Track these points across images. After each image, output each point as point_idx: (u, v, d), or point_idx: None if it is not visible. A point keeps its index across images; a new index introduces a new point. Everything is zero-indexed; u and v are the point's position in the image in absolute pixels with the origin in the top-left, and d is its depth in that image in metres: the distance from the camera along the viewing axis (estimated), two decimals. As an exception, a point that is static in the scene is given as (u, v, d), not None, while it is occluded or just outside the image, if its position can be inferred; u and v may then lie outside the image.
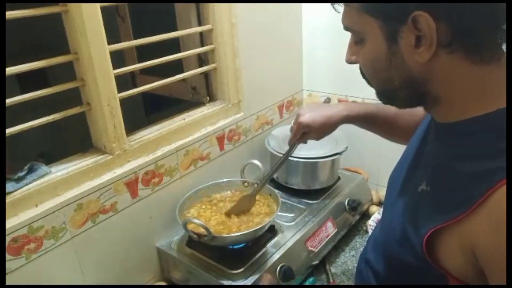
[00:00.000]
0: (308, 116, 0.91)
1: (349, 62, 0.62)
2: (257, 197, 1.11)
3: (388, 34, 0.52)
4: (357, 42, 0.58)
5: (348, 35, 0.61)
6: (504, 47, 0.51)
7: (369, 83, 0.61)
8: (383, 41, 0.53)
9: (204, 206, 1.11)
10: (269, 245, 1.05)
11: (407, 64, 0.53)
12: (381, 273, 0.69)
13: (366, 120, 0.92)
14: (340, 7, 0.58)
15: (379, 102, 0.63)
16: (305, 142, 0.97)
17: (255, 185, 1.15)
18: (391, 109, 0.88)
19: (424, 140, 0.66)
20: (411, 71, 0.53)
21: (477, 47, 0.50)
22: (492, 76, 0.51)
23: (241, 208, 1.06)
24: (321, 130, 0.92)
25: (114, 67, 0.92)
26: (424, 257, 0.56)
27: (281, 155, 1.20)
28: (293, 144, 0.97)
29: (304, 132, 0.93)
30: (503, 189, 0.46)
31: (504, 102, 0.50)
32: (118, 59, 1.05)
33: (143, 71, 1.32)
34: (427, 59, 0.50)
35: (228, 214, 1.05)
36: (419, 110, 0.64)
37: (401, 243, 0.60)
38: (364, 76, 0.61)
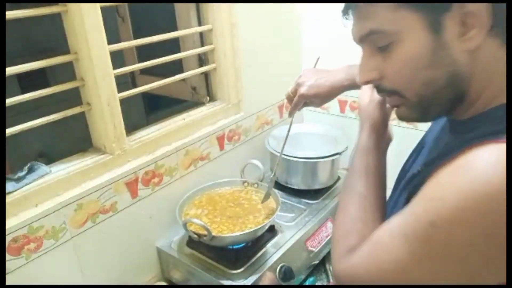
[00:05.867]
0: (309, 87, 0.89)
1: (368, 80, 0.55)
2: (257, 196, 1.11)
3: (432, 25, 0.48)
4: (382, 48, 0.52)
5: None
6: None
7: (395, 104, 0.56)
8: (426, 34, 0.49)
9: (204, 206, 1.11)
10: (269, 245, 1.05)
11: (453, 56, 0.49)
12: None
13: None
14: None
15: None
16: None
17: (256, 185, 1.15)
18: None
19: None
20: (457, 63, 0.50)
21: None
22: None
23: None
24: (323, 99, 0.92)
25: (114, 67, 0.92)
26: None
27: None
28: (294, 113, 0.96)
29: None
30: (476, 149, 0.44)
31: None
32: (118, 59, 1.05)
33: (143, 71, 1.33)
34: (478, 44, 0.48)
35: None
36: None
37: None
38: (385, 94, 0.56)
